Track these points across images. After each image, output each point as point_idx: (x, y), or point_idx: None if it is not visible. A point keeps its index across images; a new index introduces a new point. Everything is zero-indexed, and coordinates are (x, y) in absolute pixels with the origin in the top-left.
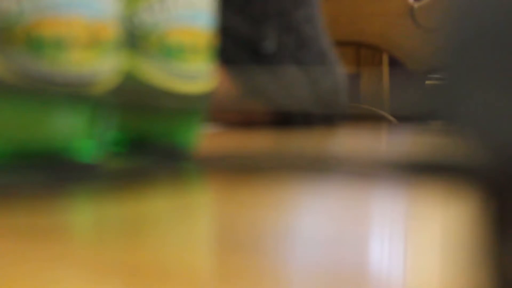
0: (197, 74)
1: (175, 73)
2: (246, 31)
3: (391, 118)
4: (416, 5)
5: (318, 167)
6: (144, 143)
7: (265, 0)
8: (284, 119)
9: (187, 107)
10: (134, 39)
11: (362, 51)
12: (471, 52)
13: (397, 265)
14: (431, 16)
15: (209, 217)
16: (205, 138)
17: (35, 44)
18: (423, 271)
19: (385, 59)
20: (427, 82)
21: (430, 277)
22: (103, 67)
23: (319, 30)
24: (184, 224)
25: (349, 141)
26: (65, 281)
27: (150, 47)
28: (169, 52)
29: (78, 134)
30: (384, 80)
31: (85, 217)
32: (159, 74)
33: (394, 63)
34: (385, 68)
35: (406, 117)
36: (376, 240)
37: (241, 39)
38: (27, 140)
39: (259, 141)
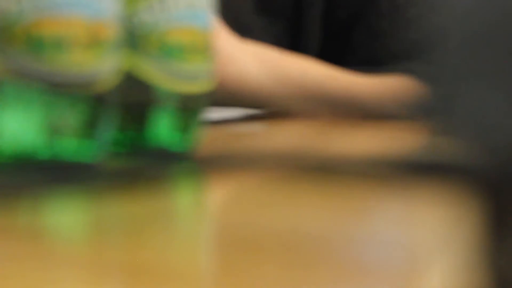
0: (197, 74)
1: (175, 73)
2: None
3: (391, 117)
4: None
5: (318, 166)
6: (144, 142)
7: None
8: None
9: (187, 107)
10: (134, 39)
11: None
12: (469, 52)
13: (396, 264)
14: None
15: (209, 217)
16: (206, 134)
17: (35, 44)
18: (422, 271)
19: None
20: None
21: (430, 277)
22: (103, 67)
23: None
24: (185, 224)
25: (349, 141)
26: (65, 281)
27: (150, 47)
28: (169, 52)
29: (78, 134)
30: None
31: (85, 217)
32: (159, 74)
33: None
34: None
35: (406, 117)
36: (375, 239)
37: None
38: (27, 140)
39: (259, 141)
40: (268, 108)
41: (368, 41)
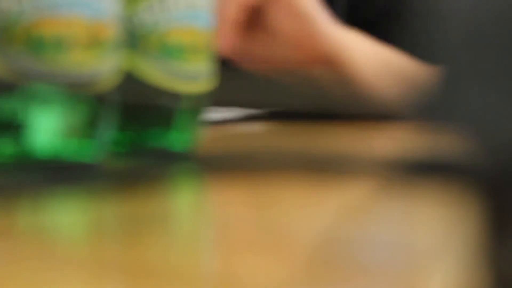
0: (197, 74)
1: (175, 73)
2: None
3: (391, 117)
4: None
5: (318, 166)
6: (144, 142)
7: None
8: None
9: (187, 107)
10: (134, 39)
11: None
12: (469, 52)
13: (396, 265)
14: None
15: (210, 217)
16: (206, 134)
17: (35, 44)
18: (422, 271)
19: None
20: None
21: (430, 277)
22: (103, 67)
23: None
24: (185, 224)
25: (349, 141)
26: (65, 281)
27: (150, 47)
28: (169, 52)
29: (78, 134)
30: None
31: (85, 217)
32: (159, 74)
33: None
34: None
35: (405, 117)
36: (375, 239)
37: None
38: (27, 140)
39: (260, 140)
40: (368, 97)
41: (398, 39)
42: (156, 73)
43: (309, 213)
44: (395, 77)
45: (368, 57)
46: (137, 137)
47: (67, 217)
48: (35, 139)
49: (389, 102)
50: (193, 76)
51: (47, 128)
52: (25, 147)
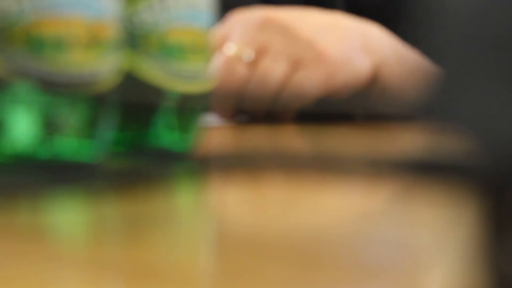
0: (197, 74)
1: (175, 73)
2: None
3: (391, 117)
4: None
5: (319, 166)
6: (144, 142)
7: None
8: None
9: (187, 107)
10: (134, 39)
11: None
12: (468, 51)
13: (396, 265)
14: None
15: (210, 216)
16: (206, 134)
17: (35, 44)
18: (423, 271)
19: None
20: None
21: (430, 277)
22: (103, 67)
23: None
24: (185, 224)
25: (349, 141)
26: (65, 281)
27: (150, 47)
28: (169, 52)
29: (78, 134)
30: None
31: (85, 217)
32: (159, 74)
33: None
34: None
35: (405, 117)
36: (375, 239)
37: None
38: (27, 140)
39: (260, 139)
40: (384, 96)
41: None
42: (156, 73)
43: (310, 213)
44: (409, 73)
45: (371, 60)
46: (137, 137)
47: (67, 217)
48: (35, 139)
49: (402, 100)
50: (193, 76)
51: (46, 128)
52: (25, 147)
